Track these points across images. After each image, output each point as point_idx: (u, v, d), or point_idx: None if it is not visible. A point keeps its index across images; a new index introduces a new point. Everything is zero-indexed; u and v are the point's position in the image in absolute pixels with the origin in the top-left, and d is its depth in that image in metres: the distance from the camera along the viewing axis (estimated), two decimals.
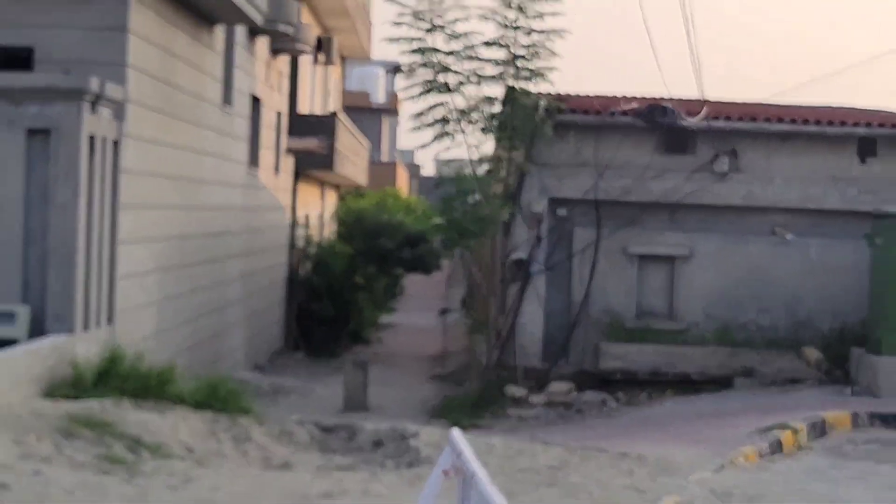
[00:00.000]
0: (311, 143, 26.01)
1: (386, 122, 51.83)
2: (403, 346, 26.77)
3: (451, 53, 18.98)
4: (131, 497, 8.46)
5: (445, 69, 18.99)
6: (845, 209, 18.44)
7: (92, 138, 11.38)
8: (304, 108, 27.26)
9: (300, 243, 26.13)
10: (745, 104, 20.15)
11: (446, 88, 19.00)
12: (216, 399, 11.43)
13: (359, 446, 10.94)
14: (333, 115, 29.18)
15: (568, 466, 10.36)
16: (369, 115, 47.70)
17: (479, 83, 19.05)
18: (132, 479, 8.91)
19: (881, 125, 19.07)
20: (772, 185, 18.76)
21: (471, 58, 18.98)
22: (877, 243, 16.58)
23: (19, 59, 12.29)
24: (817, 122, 19.01)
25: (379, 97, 50.15)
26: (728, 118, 18.95)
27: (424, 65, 19.10)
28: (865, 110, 20.42)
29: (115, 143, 12.11)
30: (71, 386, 10.47)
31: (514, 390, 17.57)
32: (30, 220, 11.17)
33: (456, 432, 6.51)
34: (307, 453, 10.63)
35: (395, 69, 31.19)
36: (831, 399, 15.46)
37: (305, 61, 27.02)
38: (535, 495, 9.43)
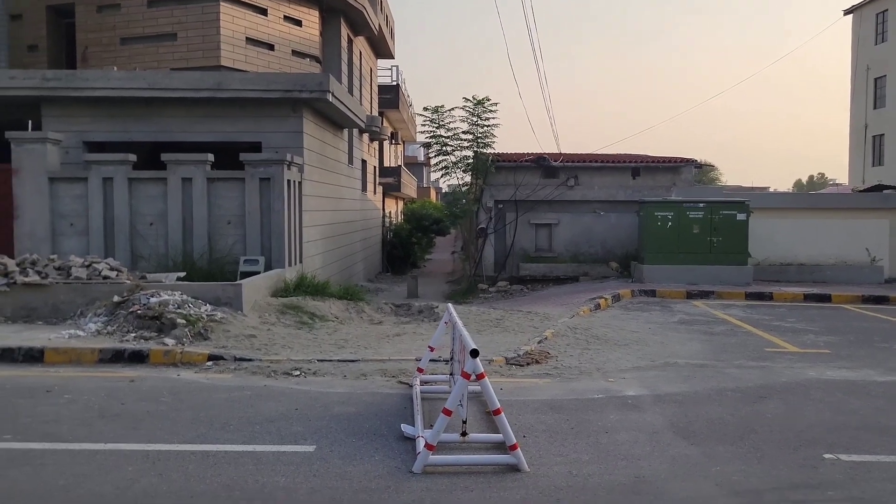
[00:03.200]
0: (389, 179, 25.90)
1: (423, 169, 51.54)
2: (434, 268, 26.75)
3: (448, 137, 18.76)
4: (311, 338, 8.58)
5: (446, 144, 18.77)
6: (627, 200, 18.18)
7: (289, 181, 11.41)
8: (386, 163, 26.93)
9: (387, 224, 25.92)
10: (580, 154, 19.81)
11: (446, 153, 18.82)
12: (349, 294, 11.56)
13: (412, 313, 11.02)
14: (399, 166, 28.92)
15: (505, 319, 10.44)
16: (416, 166, 47.47)
17: (461, 150, 18.79)
18: (311, 331, 9.05)
19: (641, 162, 18.75)
20: (593, 190, 18.54)
21: (457, 138, 18.78)
22: (641, 215, 16.45)
23: (255, 147, 12.32)
24: (613, 161, 18.74)
25: (420, 158, 49.94)
26: (573, 161, 18.68)
27: (437, 143, 18.95)
28: (635, 154, 20.17)
29: (300, 183, 12.15)
30: (283, 291, 10.59)
31: (482, 286, 17.53)
32: (263, 218, 11.27)
33: (450, 305, 6.56)
34: (389, 317, 10.74)
35: (425, 145, 30.85)
36: (622, 284, 15.48)
37: (385, 143, 26.75)
38: (489, 331, 9.52)
